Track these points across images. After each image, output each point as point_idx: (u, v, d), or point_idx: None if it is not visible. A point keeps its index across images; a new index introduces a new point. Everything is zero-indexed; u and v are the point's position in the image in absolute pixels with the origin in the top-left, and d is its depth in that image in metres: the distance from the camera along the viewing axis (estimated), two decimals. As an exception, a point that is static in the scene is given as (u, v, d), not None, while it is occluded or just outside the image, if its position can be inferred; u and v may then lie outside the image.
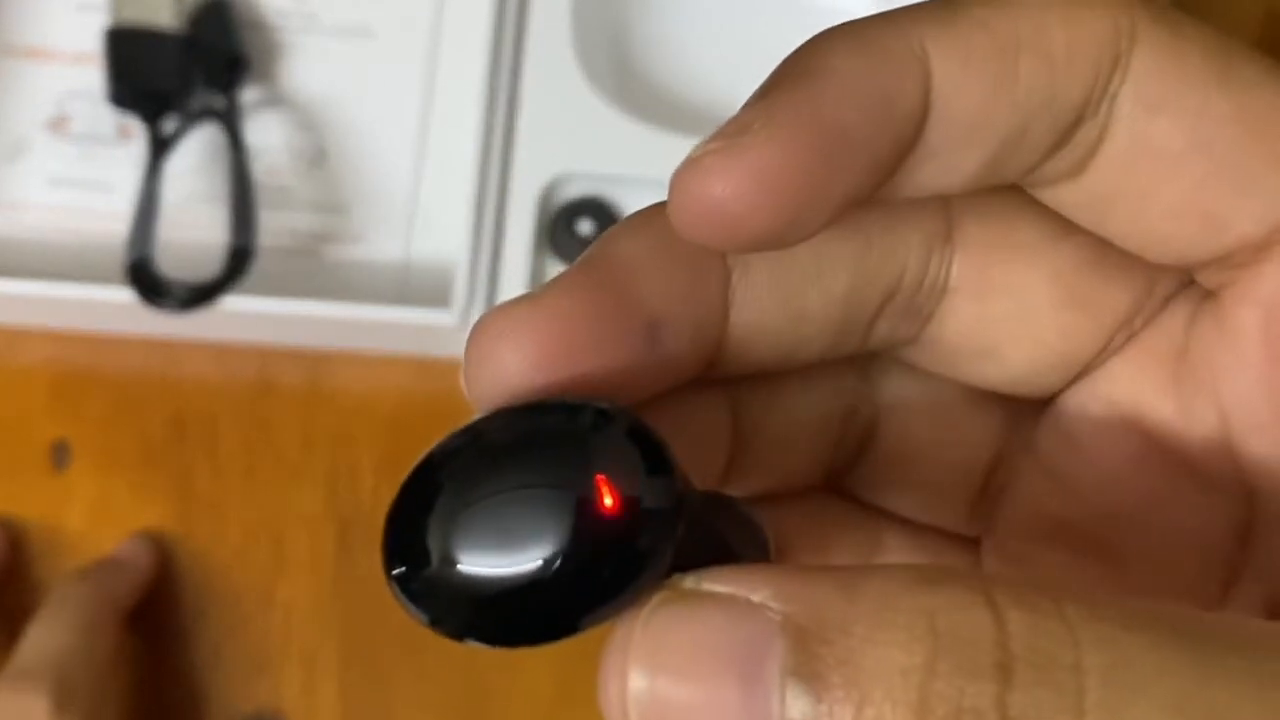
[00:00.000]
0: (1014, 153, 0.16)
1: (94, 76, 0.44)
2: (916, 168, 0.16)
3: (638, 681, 0.13)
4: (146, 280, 0.39)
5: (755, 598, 0.13)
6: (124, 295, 0.39)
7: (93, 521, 0.43)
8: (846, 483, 0.19)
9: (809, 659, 0.13)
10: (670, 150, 0.41)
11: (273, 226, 0.43)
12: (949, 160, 0.16)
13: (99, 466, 0.44)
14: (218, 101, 0.43)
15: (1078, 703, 0.12)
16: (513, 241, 0.41)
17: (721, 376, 0.17)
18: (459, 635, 0.14)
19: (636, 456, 0.14)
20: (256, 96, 0.44)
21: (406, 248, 0.44)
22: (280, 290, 0.41)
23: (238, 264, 0.39)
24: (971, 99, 0.15)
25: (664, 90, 0.44)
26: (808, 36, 0.16)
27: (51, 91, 0.45)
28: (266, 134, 0.44)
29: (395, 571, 0.14)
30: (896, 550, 0.19)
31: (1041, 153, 0.16)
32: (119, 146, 0.45)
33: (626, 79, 0.44)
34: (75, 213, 0.44)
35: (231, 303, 0.39)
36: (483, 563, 0.14)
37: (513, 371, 0.15)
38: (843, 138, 0.15)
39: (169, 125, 0.42)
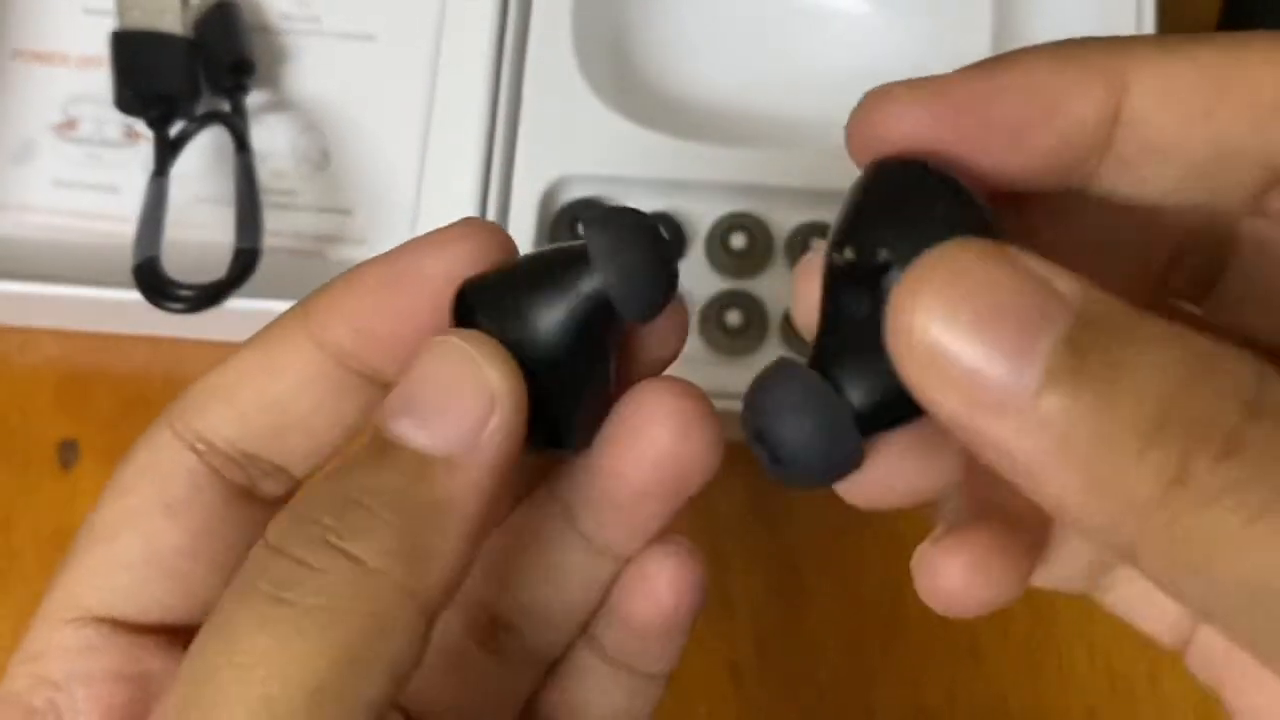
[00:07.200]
0: (1213, 181, 0.17)
1: (101, 80, 0.44)
2: (1108, 171, 0.18)
3: (923, 325, 0.15)
4: (153, 281, 0.39)
5: (1058, 284, 0.15)
6: (131, 296, 0.40)
7: (100, 519, 0.44)
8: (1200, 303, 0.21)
9: (1081, 351, 0.14)
10: (669, 153, 0.41)
11: (278, 228, 0.44)
12: (1139, 173, 0.17)
13: (106, 465, 0.44)
14: (223, 105, 0.44)
15: None
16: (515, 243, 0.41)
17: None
18: None
19: None
20: (262, 100, 0.45)
21: (409, 249, 0.44)
22: (285, 291, 0.41)
23: (244, 265, 0.39)
24: (1164, 125, 0.17)
25: (663, 94, 0.44)
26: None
27: (58, 94, 0.46)
28: (272, 137, 0.45)
29: None
30: None
31: (1251, 188, 0.17)
32: (126, 149, 0.45)
33: (626, 83, 0.44)
34: (82, 215, 0.45)
35: (237, 303, 0.40)
36: None
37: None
38: (995, 121, 0.17)
39: (175, 128, 0.43)
